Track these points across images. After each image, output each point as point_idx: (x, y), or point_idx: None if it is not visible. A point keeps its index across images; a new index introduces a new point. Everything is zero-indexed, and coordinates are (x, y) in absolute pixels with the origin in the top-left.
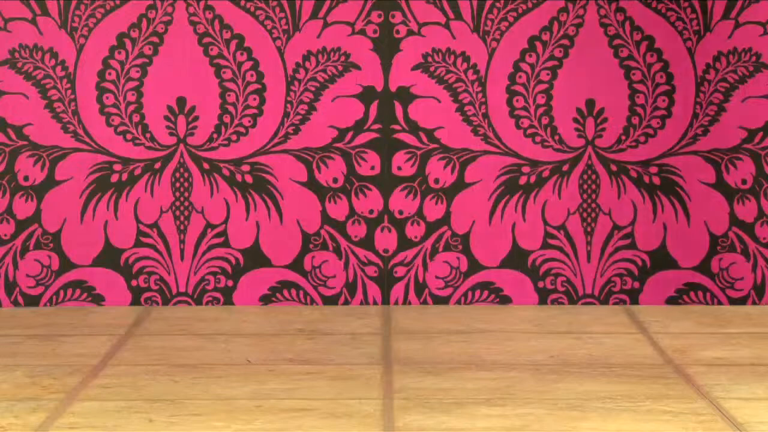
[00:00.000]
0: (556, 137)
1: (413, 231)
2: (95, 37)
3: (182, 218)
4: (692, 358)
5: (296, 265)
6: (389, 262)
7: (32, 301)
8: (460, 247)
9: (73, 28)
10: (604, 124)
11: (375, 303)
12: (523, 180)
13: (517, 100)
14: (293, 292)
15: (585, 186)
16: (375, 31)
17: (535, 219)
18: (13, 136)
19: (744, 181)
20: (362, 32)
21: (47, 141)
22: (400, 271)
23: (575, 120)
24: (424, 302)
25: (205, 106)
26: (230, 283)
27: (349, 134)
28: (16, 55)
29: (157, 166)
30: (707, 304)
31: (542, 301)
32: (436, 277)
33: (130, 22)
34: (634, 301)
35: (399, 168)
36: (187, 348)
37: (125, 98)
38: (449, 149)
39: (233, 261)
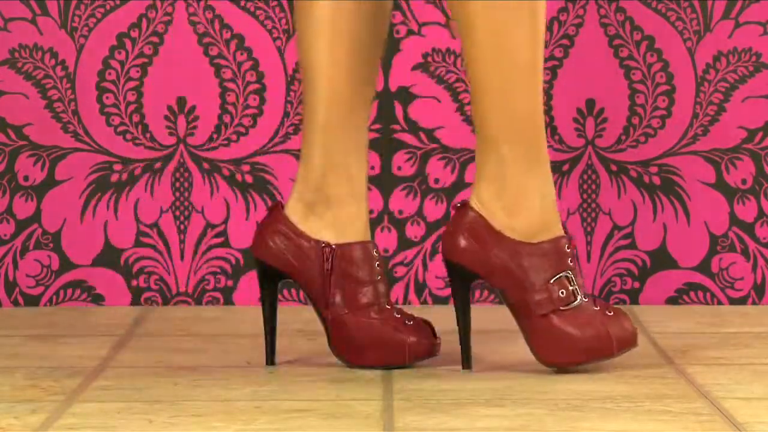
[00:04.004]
0: (556, 137)
1: (413, 231)
2: (95, 37)
3: (182, 218)
4: (692, 358)
5: None
6: (389, 262)
7: (32, 301)
8: None
9: (73, 28)
10: (604, 124)
11: None
12: None
13: None
14: (293, 292)
15: (585, 186)
16: None
17: None
18: (13, 136)
19: (744, 181)
20: None
21: (47, 141)
22: (400, 271)
23: (575, 120)
24: (424, 302)
25: (205, 106)
26: (230, 283)
27: None
28: (16, 55)
29: (157, 166)
30: (707, 304)
31: None
32: (436, 277)
33: (130, 22)
34: (634, 301)
35: (399, 168)
36: (187, 349)
37: (125, 98)
38: (449, 149)
39: (233, 261)
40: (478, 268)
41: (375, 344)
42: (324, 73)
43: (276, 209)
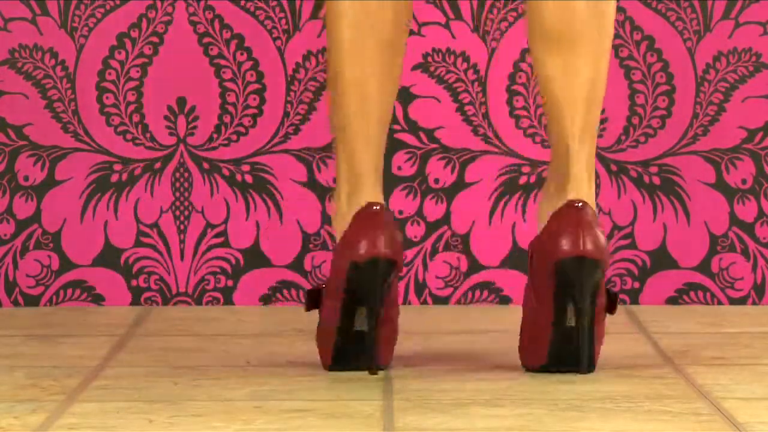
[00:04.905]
0: None
1: (413, 231)
2: (95, 37)
3: (182, 218)
4: (692, 358)
5: (296, 265)
6: None
7: (32, 301)
8: (460, 247)
9: (73, 28)
10: (604, 124)
11: None
12: (523, 180)
13: (517, 100)
14: (293, 292)
15: None
16: None
17: (534, 219)
18: (13, 136)
19: (744, 181)
20: None
21: (47, 141)
22: None
23: None
24: (424, 302)
25: (205, 106)
26: (230, 283)
27: None
28: (16, 55)
29: (157, 166)
30: (707, 304)
31: None
32: (436, 277)
33: (130, 22)
34: (634, 301)
35: (399, 168)
36: (187, 348)
37: (125, 98)
38: (449, 149)
39: (233, 261)
40: (606, 267)
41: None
42: (363, 90)
43: (385, 209)
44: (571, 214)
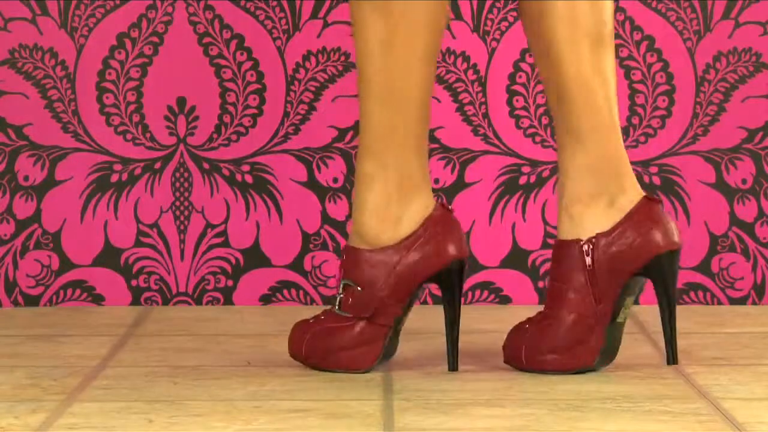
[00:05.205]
0: (556, 137)
1: None
2: (95, 37)
3: (182, 218)
4: (692, 358)
5: (296, 265)
6: None
7: (32, 301)
8: None
9: (73, 28)
10: None
11: None
12: (523, 180)
13: (517, 100)
14: (293, 292)
15: None
16: None
17: (535, 219)
18: (13, 136)
19: (744, 181)
20: None
21: (47, 141)
22: None
23: None
24: (424, 302)
25: (205, 106)
26: (230, 283)
27: (349, 134)
28: (16, 55)
29: (157, 166)
30: (707, 304)
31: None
32: None
33: (130, 22)
34: (635, 301)
35: None
36: (187, 348)
37: (125, 98)
38: (449, 149)
39: (233, 261)
40: None
41: None
42: (418, 96)
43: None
44: (654, 209)
